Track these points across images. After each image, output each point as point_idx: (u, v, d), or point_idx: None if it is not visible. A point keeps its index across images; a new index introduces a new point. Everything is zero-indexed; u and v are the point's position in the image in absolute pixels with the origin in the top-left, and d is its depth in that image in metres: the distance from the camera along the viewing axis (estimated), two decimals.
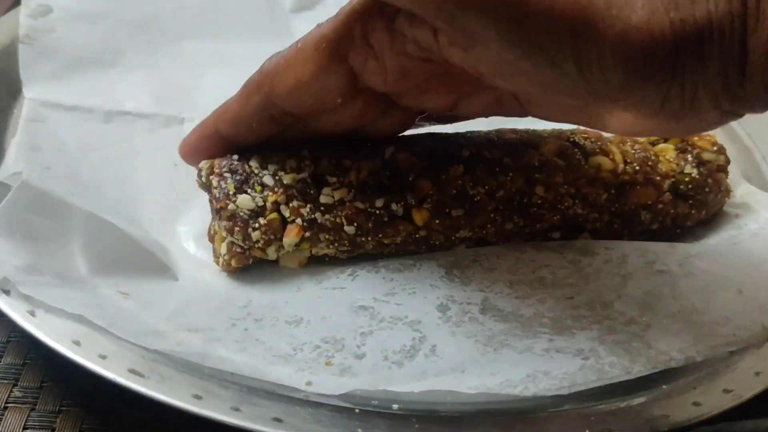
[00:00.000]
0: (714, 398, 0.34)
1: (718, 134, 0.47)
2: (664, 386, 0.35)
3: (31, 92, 0.49)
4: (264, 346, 0.36)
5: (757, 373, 0.35)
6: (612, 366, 0.35)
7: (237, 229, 0.40)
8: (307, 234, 0.40)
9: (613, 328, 0.37)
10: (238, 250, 0.40)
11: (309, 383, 0.34)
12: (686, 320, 0.37)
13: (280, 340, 0.37)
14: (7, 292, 0.35)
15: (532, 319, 0.38)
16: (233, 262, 0.41)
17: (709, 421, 0.33)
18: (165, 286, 0.40)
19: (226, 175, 0.40)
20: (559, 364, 0.35)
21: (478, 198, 0.42)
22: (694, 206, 0.45)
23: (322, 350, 0.36)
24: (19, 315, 0.34)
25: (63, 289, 0.36)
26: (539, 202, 0.42)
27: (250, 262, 0.41)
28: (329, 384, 0.34)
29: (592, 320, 0.38)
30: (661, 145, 0.45)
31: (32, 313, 0.34)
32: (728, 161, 0.46)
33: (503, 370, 0.35)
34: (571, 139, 0.44)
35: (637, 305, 0.38)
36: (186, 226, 0.45)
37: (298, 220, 0.40)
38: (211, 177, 0.41)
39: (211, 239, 0.42)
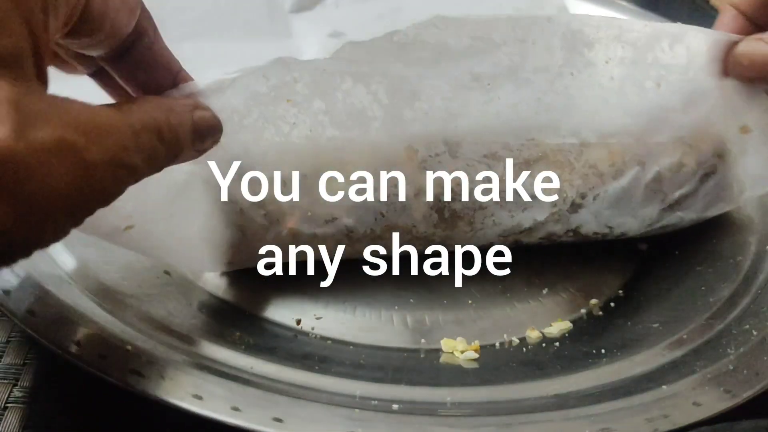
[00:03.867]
0: (714, 398, 0.34)
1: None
2: (664, 386, 0.35)
3: None
4: None
5: (757, 373, 0.35)
6: None
7: None
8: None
9: None
10: None
11: None
12: None
13: None
14: (7, 292, 0.35)
15: None
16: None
17: (709, 421, 0.33)
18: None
19: None
20: None
21: None
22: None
23: None
24: (19, 315, 0.34)
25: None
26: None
27: None
28: None
29: None
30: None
31: (32, 313, 0.34)
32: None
33: None
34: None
35: None
36: None
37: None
38: None
39: None
